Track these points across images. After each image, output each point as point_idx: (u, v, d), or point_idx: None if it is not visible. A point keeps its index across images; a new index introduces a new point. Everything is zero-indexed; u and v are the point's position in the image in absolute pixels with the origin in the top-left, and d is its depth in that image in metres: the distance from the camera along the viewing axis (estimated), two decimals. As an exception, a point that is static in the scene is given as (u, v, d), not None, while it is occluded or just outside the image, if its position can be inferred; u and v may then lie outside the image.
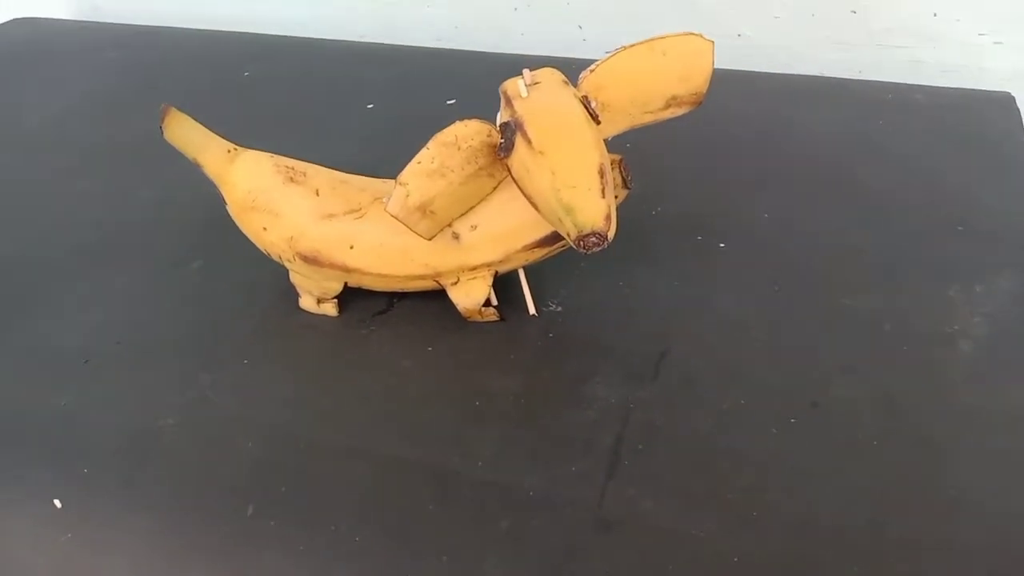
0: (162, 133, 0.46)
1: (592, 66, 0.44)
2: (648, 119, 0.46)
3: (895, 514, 0.36)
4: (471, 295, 0.47)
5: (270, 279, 0.52)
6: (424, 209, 0.44)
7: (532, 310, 0.48)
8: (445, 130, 0.43)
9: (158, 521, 0.39)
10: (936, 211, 0.53)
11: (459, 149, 0.43)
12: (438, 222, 0.45)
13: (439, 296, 0.48)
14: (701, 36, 0.45)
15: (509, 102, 0.43)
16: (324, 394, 0.44)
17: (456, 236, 0.46)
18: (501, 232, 0.46)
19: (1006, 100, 0.62)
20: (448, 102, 0.67)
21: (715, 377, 0.43)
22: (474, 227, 0.46)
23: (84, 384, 0.46)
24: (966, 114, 0.62)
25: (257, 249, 0.50)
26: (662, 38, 0.44)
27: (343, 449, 0.41)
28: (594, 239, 0.39)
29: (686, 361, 0.44)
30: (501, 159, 0.42)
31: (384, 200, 0.44)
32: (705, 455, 0.39)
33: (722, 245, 0.52)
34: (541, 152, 0.40)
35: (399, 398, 0.44)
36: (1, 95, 0.78)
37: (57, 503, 0.40)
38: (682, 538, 0.36)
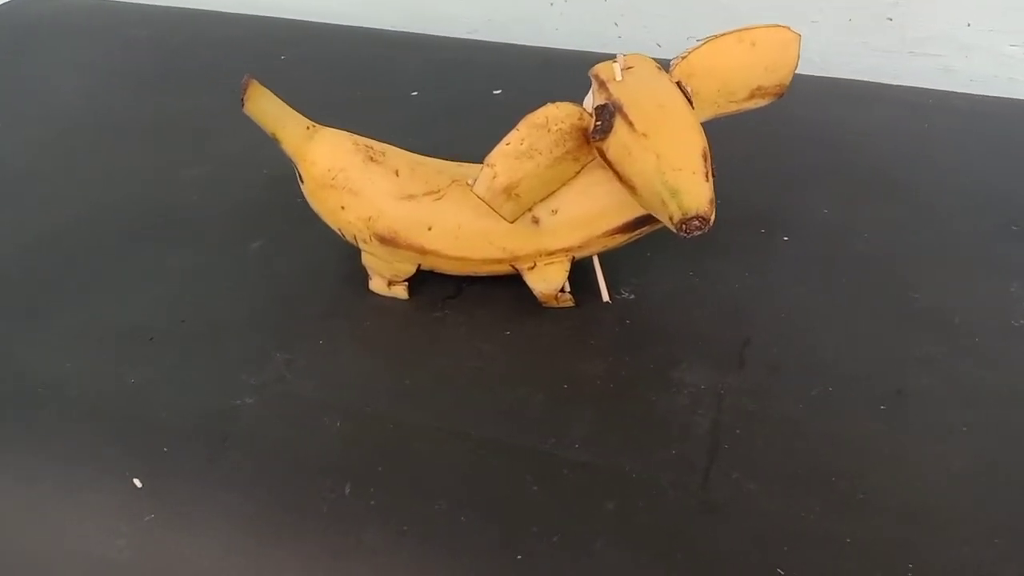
0: (242, 105, 0.44)
1: (683, 53, 0.45)
2: (732, 108, 0.46)
3: (995, 499, 0.37)
4: (549, 280, 0.47)
5: (335, 260, 0.51)
6: (510, 191, 0.44)
7: (606, 297, 0.48)
8: (536, 111, 0.43)
9: (248, 500, 0.38)
10: (988, 211, 0.55)
11: (549, 131, 0.43)
12: (521, 205, 0.45)
13: (507, 281, 0.48)
14: (789, 28, 0.45)
15: (603, 85, 0.43)
16: (405, 375, 0.44)
17: (536, 220, 0.46)
18: (582, 217, 0.46)
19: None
20: (494, 92, 0.67)
21: (798, 365, 0.44)
22: (555, 211, 0.46)
23: (152, 362, 0.44)
24: (1005, 121, 0.63)
25: (320, 230, 0.49)
26: (751, 29, 0.45)
27: (434, 429, 0.41)
28: (697, 223, 0.39)
29: (768, 349, 0.44)
30: (595, 141, 0.42)
31: (470, 181, 0.44)
32: (802, 439, 0.40)
33: (785, 238, 0.52)
34: (644, 134, 0.40)
35: (483, 380, 0.43)
36: (25, 72, 0.76)
37: (137, 482, 0.39)
38: (790, 520, 0.36)
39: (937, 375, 0.43)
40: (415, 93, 0.67)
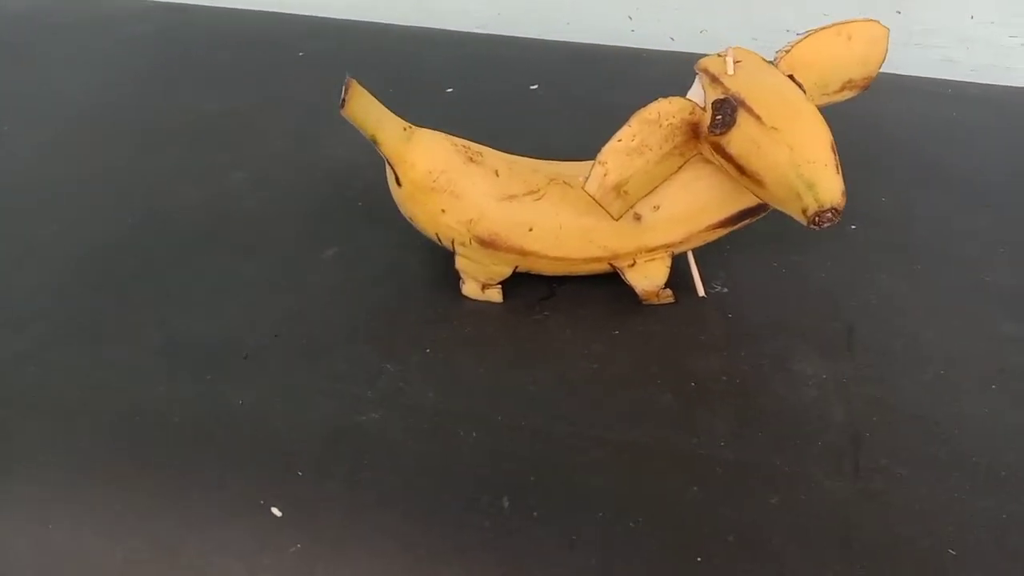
0: (341, 107, 0.42)
1: (786, 46, 0.45)
2: (823, 101, 0.47)
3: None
4: (651, 277, 0.47)
5: (417, 264, 0.49)
6: (619, 189, 0.43)
7: (701, 292, 0.48)
8: (648, 107, 0.43)
9: (403, 520, 0.36)
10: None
11: (660, 127, 0.42)
12: (628, 202, 0.44)
13: (597, 280, 0.47)
14: (879, 23, 0.46)
15: (716, 79, 0.43)
16: (524, 380, 0.42)
17: (638, 217, 0.46)
18: (685, 213, 0.46)
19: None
20: (531, 87, 0.66)
21: (904, 350, 0.45)
22: (656, 208, 0.46)
23: (255, 381, 0.42)
24: (1010, 107, 0.67)
25: (394, 233, 0.48)
26: (847, 23, 0.46)
27: (572, 435, 0.40)
28: (830, 215, 0.39)
29: (872, 336, 0.45)
30: (715, 136, 0.42)
31: (581, 180, 0.43)
32: (932, 422, 0.40)
33: (852, 227, 0.54)
34: (775, 128, 0.40)
35: (604, 382, 0.43)
36: (29, 70, 0.70)
37: (276, 511, 0.36)
38: (946, 502, 0.37)
39: (1021, 351, 0.45)
40: (450, 90, 0.65)
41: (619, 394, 0.42)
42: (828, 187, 0.39)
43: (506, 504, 0.36)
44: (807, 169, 0.39)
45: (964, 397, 0.42)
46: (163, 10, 0.78)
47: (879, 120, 0.65)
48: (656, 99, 0.43)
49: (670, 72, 0.71)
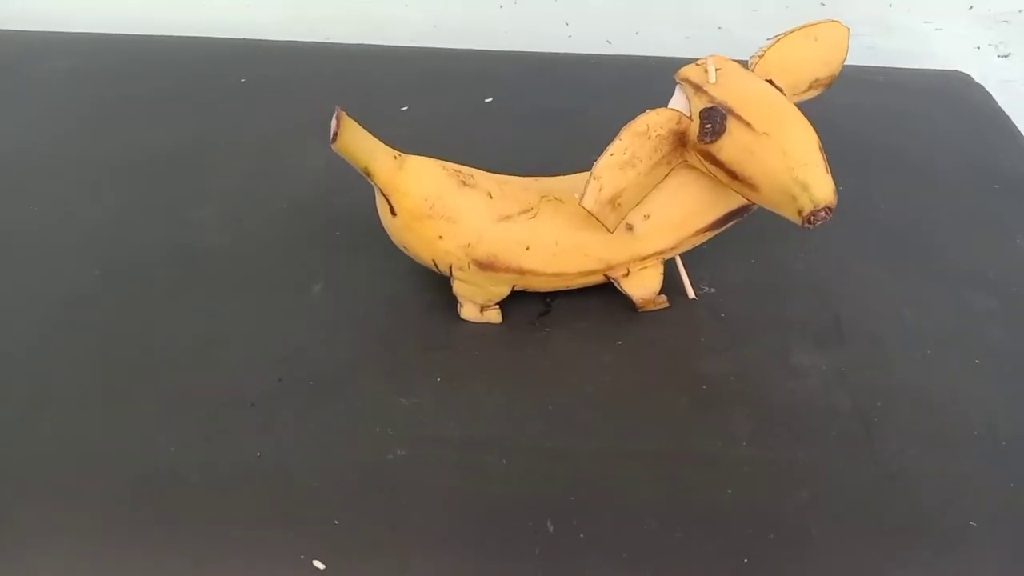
0: (332, 141, 0.41)
1: (759, 52, 0.46)
2: (794, 101, 0.48)
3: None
4: (646, 285, 0.47)
5: (409, 292, 0.48)
6: (614, 202, 0.43)
7: (692, 294, 0.49)
8: (637, 119, 0.43)
9: (455, 557, 0.36)
10: (970, 173, 0.61)
11: (649, 138, 0.43)
12: (621, 214, 0.45)
13: (591, 291, 0.48)
14: (841, 23, 0.48)
15: (699, 89, 0.44)
16: (542, 399, 0.42)
17: (630, 227, 0.46)
18: (674, 219, 0.47)
19: (967, 78, 0.72)
20: (486, 100, 0.66)
21: (891, 333, 0.47)
22: (647, 217, 0.46)
23: (268, 429, 0.40)
24: (943, 90, 0.71)
25: (378, 263, 0.48)
26: (813, 25, 0.47)
27: (600, 450, 0.40)
28: (823, 213, 0.41)
29: (859, 323, 0.47)
30: (705, 144, 0.43)
31: (577, 196, 0.43)
32: (931, 401, 0.43)
33: (818, 217, 0.56)
34: (766, 133, 0.41)
35: (619, 393, 0.43)
36: None
37: (318, 564, 0.35)
38: (958, 476, 0.39)
39: (1002, 326, 0.48)
40: (405, 108, 0.64)
41: (637, 404, 0.43)
42: (822, 187, 0.40)
43: (551, 528, 0.36)
44: (801, 172, 0.41)
45: (954, 374, 0.44)
46: (88, 42, 0.73)
47: (824, 110, 0.68)
48: (644, 111, 0.43)
49: (616, 76, 0.73)
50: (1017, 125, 0.67)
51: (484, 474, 0.39)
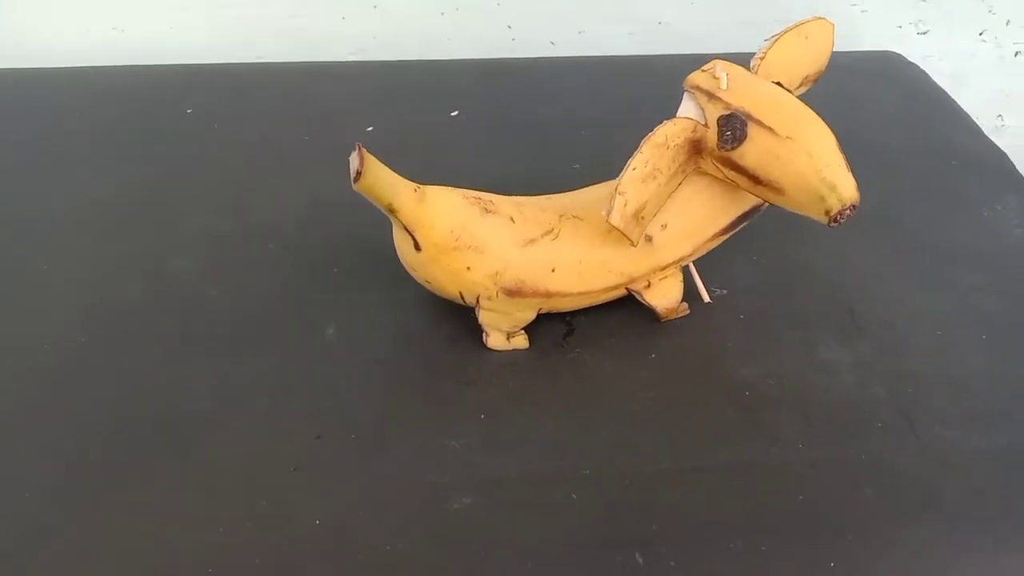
0: (355, 181, 0.38)
1: (760, 54, 0.46)
2: (787, 99, 0.49)
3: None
4: (668, 295, 0.47)
5: (427, 326, 0.46)
6: (637, 215, 0.43)
7: (707, 298, 0.49)
8: (656, 131, 0.43)
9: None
10: (921, 151, 0.64)
11: (668, 148, 0.43)
12: (643, 227, 0.44)
13: (611, 305, 0.47)
14: (828, 20, 0.49)
15: (713, 96, 0.44)
16: (593, 424, 0.41)
17: (649, 239, 0.46)
18: (690, 227, 0.47)
19: (899, 57, 0.75)
20: (452, 113, 0.64)
21: (902, 318, 0.48)
22: (664, 226, 0.46)
23: (319, 493, 0.38)
24: (880, 71, 0.74)
25: (386, 299, 0.46)
26: (804, 24, 0.48)
27: (665, 471, 0.39)
28: (848, 211, 0.41)
29: (871, 312, 0.49)
30: (726, 151, 0.43)
31: (604, 212, 0.42)
32: (958, 381, 0.44)
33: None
34: (789, 137, 0.41)
35: (667, 409, 0.43)
36: None
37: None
38: (996, 451, 0.41)
39: (994, 299, 0.50)
40: (371, 128, 0.61)
41: (686, 419, 0.42)
42: (847, 186, 0.41)
43: (640, 560, 0.36)
44: (827, 172, 0.41)
45: (968, 352, 0.46)
46: (9, 77, 0.66)
47: None
48: (662, 123, 0.43)
49: (579, 79, 0.72)
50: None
51: (557, 511, 0.37)
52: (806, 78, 0.49)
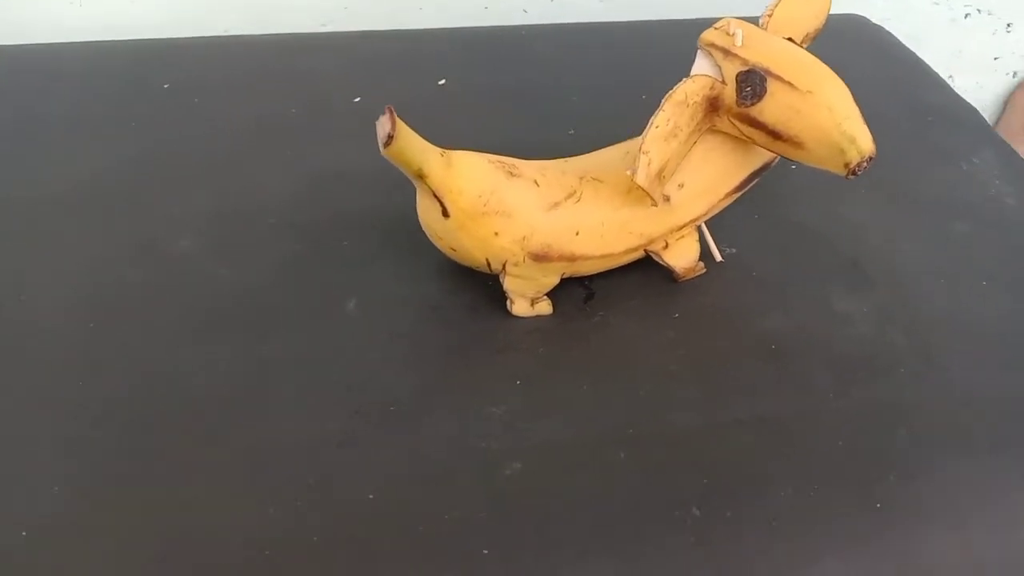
0: (385, 146, 0.37)
1: (767, 11, 0.47)
2: (791, 57, 0.50)
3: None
4: (686, 254, 0.47)
5: (447, 296, 0.45)
6: (660, 174, 0.43)
7: (719, 256, 0.50)
8: (676, 89, 0.43)
9: (610, 563, 0.34)
10: (902, 110, 0.65)
11: (687, 106, 0.43)
12: (663, 186, 0.44)
13: (627, 268, 0.47)
14: (824, -26, 0.50)
15: (729, 53, 0.44)
16: (631, 385, 0.41)
17: (667, 198, 0.46)
18: (706, 185, 0.47)
19: (864, 20, 0.77)
20: (439, 82, 0.62)
21: (905, 268, 0.50)
22: (681, 186, 0.46)
23: (368, 467, 0.37)
24: (847, 33, 0.75)
25: (402, 269, 0.46)
26: (807, -20, 0.48)
27: (710, 426, 0.40)
28: (866, 163, 0.42)
29: (874, 263, 0.50)
30: (746, 107, 0.43)
31: (629, 172, 0.42)
32: (969, 326, 0.46)
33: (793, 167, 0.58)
34: (810, 91, 0.42)
35: (701, 365, 0.43)
36: None
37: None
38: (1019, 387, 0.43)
39: (985, 247, 0.52)
40: (358, 99, 0.59)
41: (719, 374, 0.43)
42: (866, 138, 0.42)
43: (697, 513, 0.36)
44: (847, 125, 0.42)
45: (973, 297, 0.48)
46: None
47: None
48: (681, 80, 0.43)
49: (558, 45, 0.71)
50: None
51: (608, 471, 0.37)
52: (807, 36, 0.50)
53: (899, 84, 0.69)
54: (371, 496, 0.35)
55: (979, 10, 0.89)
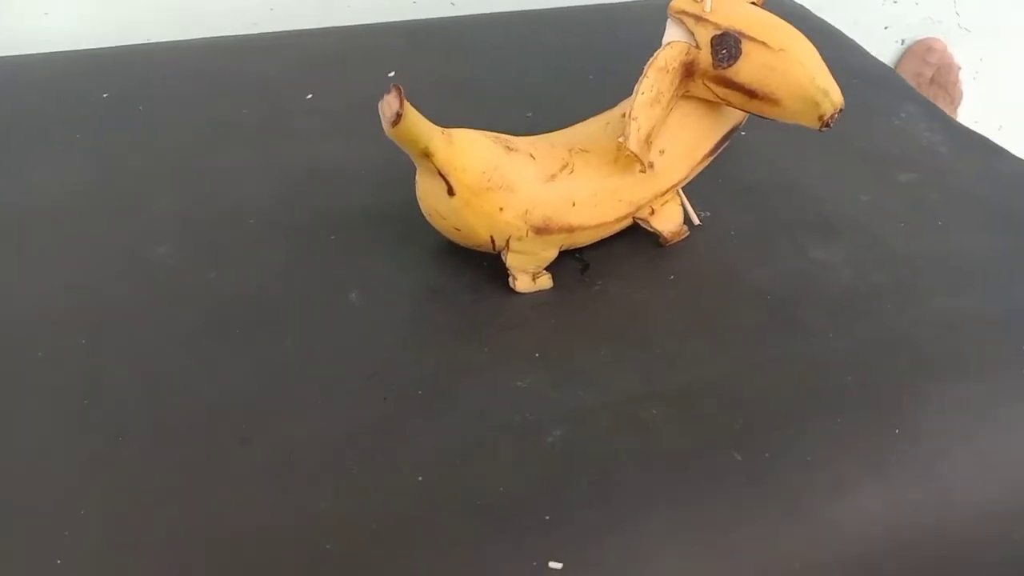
0: (393, 125, 0.37)
1: (727, -21, 0.48)
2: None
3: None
4: (672, 219, 0.49)
5: (444, 280, 0.45)
6: (648, 140, 0.44)
7: (697, 220, 0.51)
8: (657, 56, 0.44)
9: (670, 510, 0.35)
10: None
11: (668, 72, 0.44)
12: (650, 152, 0.45)
13: (613, 240, 0.48)
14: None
15: (700, 19, 0.45)
16: (647, 345, 0.42)
17: (650, 164, 0.47)
18: (684, 149, 0.48)
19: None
20: (389, 75, 0.61)
21: (868, 217, 0.52)
22: (662, 152, 0.47)
23: (412, 451, 0.36)
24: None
25: (397, 253, 0.46)
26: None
27: (736, 373, 0.41)
28: (837, 115, 0.45)
29: (840, 214, 0.52)
30: (723, 69, 0.44)
31: (621, 139, 0.43)
32: (941, 261, 0.48)
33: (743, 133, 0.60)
34: (782, 49, 0.44)
35: (707, 320, 0.44)
36: None
37: (555, 565, 0.32)
38: (1001, 312, 0.45)
39: (932, 191, 0.55)
40: (310, 96, 0.58)
41: (724, 326, 0.44)
42: (836, 90, 0.44)
43: (739, 457, 0.37)
44: (819, 79, 0.44)
45: (935, 237, 0.51)
46: None
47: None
48: (661, 47, 0.44)
49: (492, 34, 0.71)
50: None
51: (647, 428, 0.38)
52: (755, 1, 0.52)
53: (823, 52, 0.72)
54: (421, 478, 0.35)
55: (869, -16, 0.95)
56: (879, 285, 0.47)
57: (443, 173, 0.40)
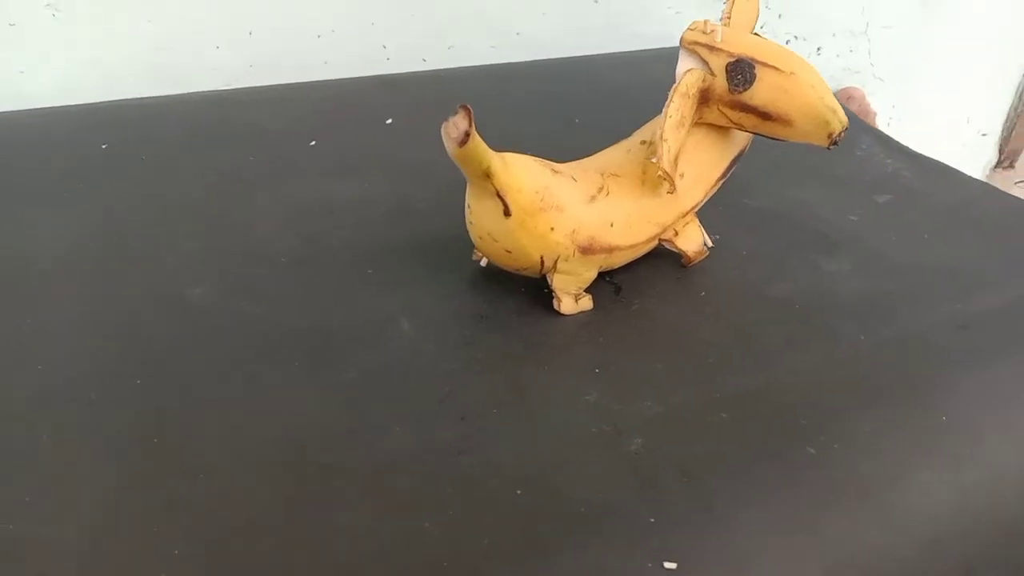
0: (461, 145, 0.37)
1: (725, 14, 0.51)
2: (736, 58, 0.55)
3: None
4: (694, 239, 0.50)
5: (487, 306, 0.45)
6: (676, 162, 0.46)
7: (710, 243, 0.53)
8: (680, 82, 0.46)
9: (760, 495, 0.35)
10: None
11: (689, 97, 0.47)
12: (676, 172, 0.47)
13: (637, 264, 0.50)
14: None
15: (714, 48, 0.48)
16: (699, 357, 0.43)
17: (675, 187, 0.49)
18: (700, 174, 0.50)
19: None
20: (387, 121, 0.62)
21: (865, 231, 0.56)
22: (682, 175, 0.49)
23: (500, 465, 0.35)
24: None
25: (436, 282, 0.46)
26: (740, -13, 0.54)
27: (787, 377, 0.42)
28: (844, 132, 0.48)
29: (837, 231, 0.56)
30: (739, 94, 0.47)
31: (654, 159, 0.45)
32: (937, 265, 0.52)
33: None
34: (792, 73, 0.47)
35: (748, 331, 0.45)
36: None
37: (670, 565, 0.32)
38: (1009, 300, 0.49)
39: (906, 210, 0.60)
40: (313, 143, 0.58)
41: (764, 335, 0.45)
42: (841, 110, 0.48)
43: (813, 451, 0.38)
44: (828, 99, 0.47)
45: (924, 247, 0.55)
46: None
47: (625, 88, 0.76)
48: (684, 74, 0.47)
49: (479, 87, 0.73)
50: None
51: (721, 432, 0.39)
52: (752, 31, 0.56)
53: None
54: (519, 491, 0.34)
55: (796, 36, 1.02)
56: (890, 291, 0.50)
57: (500, 194, 0.41)
